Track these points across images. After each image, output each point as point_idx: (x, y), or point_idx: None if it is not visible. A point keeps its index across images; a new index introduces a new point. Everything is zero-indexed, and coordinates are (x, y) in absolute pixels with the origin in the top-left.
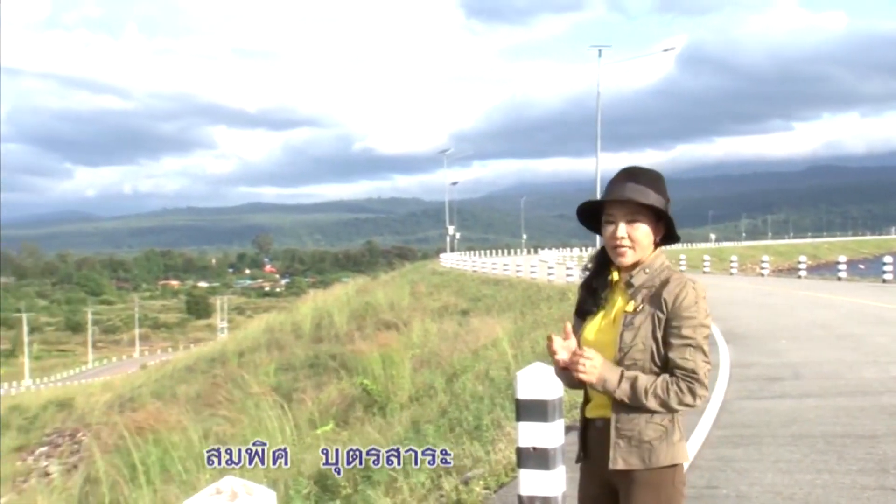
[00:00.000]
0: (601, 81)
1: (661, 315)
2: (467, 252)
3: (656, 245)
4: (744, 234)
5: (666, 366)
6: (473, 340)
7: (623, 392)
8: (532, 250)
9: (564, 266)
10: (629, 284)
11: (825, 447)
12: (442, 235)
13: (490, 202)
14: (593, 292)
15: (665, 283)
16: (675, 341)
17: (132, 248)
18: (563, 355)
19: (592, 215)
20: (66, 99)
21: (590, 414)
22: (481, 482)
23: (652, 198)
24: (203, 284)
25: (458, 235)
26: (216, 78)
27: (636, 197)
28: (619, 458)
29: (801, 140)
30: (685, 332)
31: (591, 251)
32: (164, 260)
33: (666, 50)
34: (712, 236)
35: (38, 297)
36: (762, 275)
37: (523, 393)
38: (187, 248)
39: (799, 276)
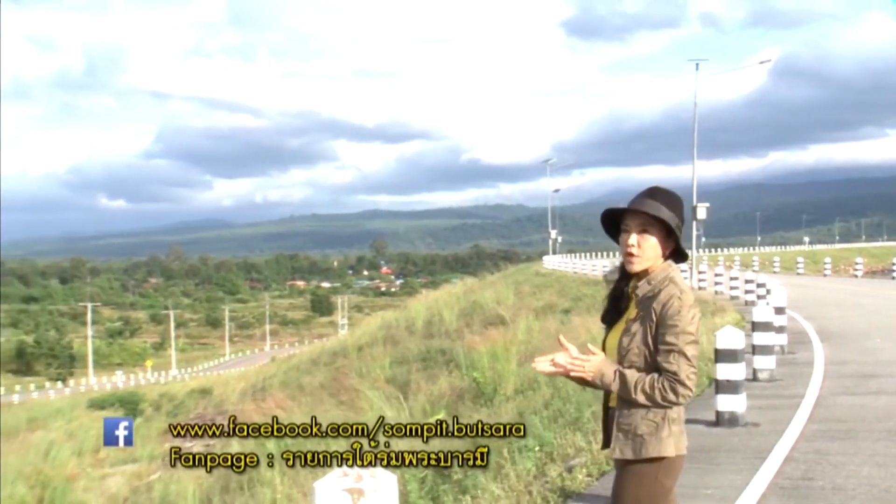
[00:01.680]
0: (697, 93)
1: (651, 322)
2: (568, 255)
3: (665, 259)
4: (837, 237)
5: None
6: (574, 338)
7: (615, 386)
8: None
9: None
10: (635, 294)
11: None
12: (544, 239)
13: (590, 208)
14: (617, 302)
15: (659, 293)
16: (661, 346)
17: (263, 252)
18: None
19: (616, 227)
20: (207, 119)
21: (611, 403)
22: (584, 470)
23: (664, 213)
24: (326, 285)
25: (559, 239)
26: (338, 97)
27: (649, 210)
28: (618, 449)
29: (894, 146)
30: (669, 338)
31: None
32: (292, 262)
33: (762, 62)
34: (806, 239)
35: (183, 295)
36: (856, 276)
37: None
38: (312, 252)
39: (893, 278)
